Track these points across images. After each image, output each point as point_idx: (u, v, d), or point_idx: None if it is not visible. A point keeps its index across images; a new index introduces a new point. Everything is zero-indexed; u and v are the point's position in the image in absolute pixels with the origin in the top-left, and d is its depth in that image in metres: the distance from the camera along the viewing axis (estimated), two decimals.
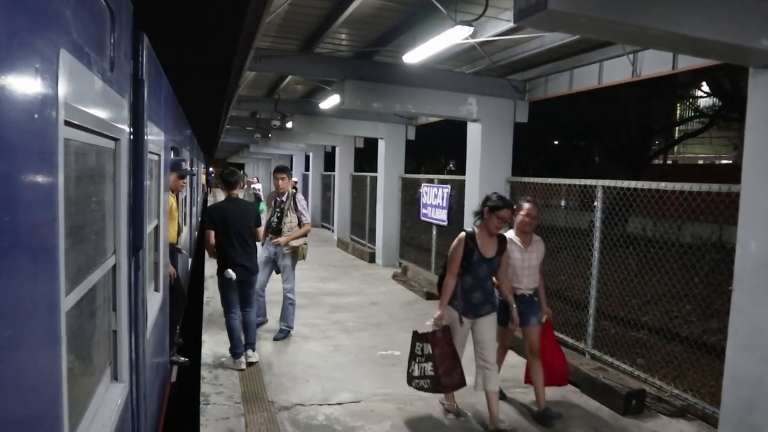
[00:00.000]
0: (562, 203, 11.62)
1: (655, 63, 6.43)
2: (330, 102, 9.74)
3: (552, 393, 5.12)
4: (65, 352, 1.55)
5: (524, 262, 4.77)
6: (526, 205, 4.78)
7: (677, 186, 5.38)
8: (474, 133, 8.35)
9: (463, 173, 8.84)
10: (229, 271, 5.62)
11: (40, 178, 1.36)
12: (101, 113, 2.08)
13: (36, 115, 1.32)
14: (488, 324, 4.57)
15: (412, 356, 4.64)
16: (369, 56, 7.94)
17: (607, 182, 6.17)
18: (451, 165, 34.82)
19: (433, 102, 8.05)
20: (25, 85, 1.25)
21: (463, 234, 4.51)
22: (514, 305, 4.62)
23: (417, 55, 6.31)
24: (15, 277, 1.19)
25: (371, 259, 13.05)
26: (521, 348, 5.65)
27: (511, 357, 5.78)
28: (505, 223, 4.46)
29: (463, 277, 4.45)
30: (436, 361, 4.40)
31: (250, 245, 5.80)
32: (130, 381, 2.81)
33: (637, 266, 7.81)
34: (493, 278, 4.63)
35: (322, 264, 12.19)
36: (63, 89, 1.51)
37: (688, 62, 6.08)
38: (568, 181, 6.93)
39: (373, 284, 10.49)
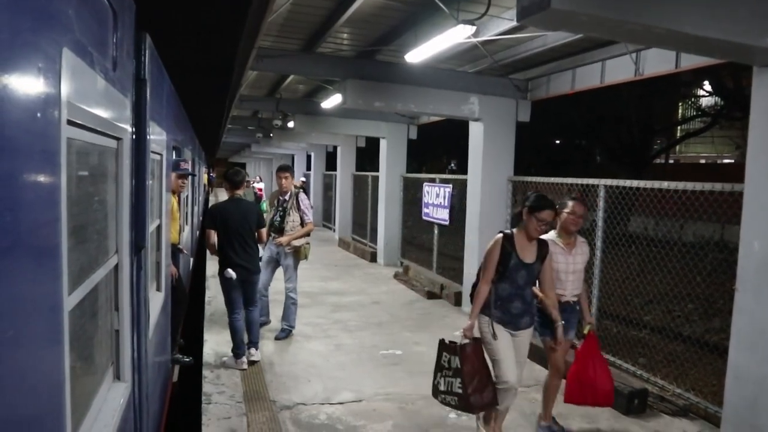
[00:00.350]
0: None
1: (658, 62, 6.42)
2: (332, 101, 9.73)
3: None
4: (68, 352, 1.55)
5: (569, 266, 4.35)
6: (571, 203, 4.36)
7: (680, 185, 5.37)
8: (476, 132, 8.34)
9: (465, 172, 8.83)
10: (229, 270, 5.62)
11: (42, 178, 1.36)
12: (104, 113, 2.08)
13: (39, 114, 1.31)
14: (526, 340, 4.18)
15: (438, 367, 4.19)
16: (371, 55, 7.94)
17: (609, 181, 6.17)
18: (452, 164, 34.78)
19: (435, 101, 8.04)
20: (28, 84, 1.25)
21: (499, 235, 4.08)
22: (561, 322, 4.17)
23: (419, 54, 6.30)
24: (17, 277, 1.19)
25: (373, 258, 13.05)
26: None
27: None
28: (547, 225, 4.02)
29: (498, 284, 4.01)
30: (464, 379, 3.94)
31: (250, 245, 5.79)
32: (133, 380, 2.82)
33: (639, 265, 7.80)
34: (535, 290, 4.21)
35: (324, 263, 12.19)
36: (66, 88, 1.50)
37: (691, 61, 6.06)
38: (570, 180, 6.91)
39: (375, 283, 10.49)
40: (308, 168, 22.61)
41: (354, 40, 7.58)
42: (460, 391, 3.97)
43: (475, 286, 4.20)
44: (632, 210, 6.20)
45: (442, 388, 4.13)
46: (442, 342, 4.21)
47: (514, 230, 4.10)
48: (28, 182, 1.27)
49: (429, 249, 11.61)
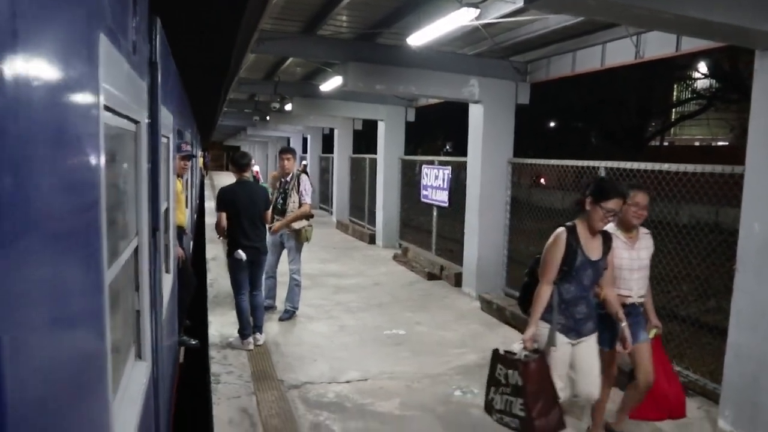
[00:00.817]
0: (542, 181, 11.81)
1: (658, 45, 6.44)
2: (331, 84, 9.70)
3: None
4: (109, 326, 1.60)
5: (633, 263, 3.85)
6: (632, 192, 3.79)
7: (680, 167, 5.43)
8: (476, 114, 8.36)
9: (461, 155, 8.87)
10: (240, 252, 5.66)
11: (87, 162, 1.40)
12: (128, 97, 2.12)
13: (84, 101, 1.35)
14: (592, 347, 3.67)
15: (493, 381, 3.70)
16: (372, 38, 7.92)
17: (610, 163, 6.22)
18: (448, 146, 34.78)
19: (436, 84, 8.05)
20: (75, 70, 1.28)
21: (561, 230, 3.56)
22: (625, 322, 3.66)
23: (422, 37, 6.29)
24: (72, 254, 1.24)
25: (371, 240, 13.11)
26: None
27: None
28: (615, 216, 3.56)
29: (562, 285, 3.54)
30: (528, 400, 3.44)
31: (259, 227, 5.85)
32: (152, 360, 2.87)
33: None
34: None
35: (322, 246, 12.21)
36: (102, 74, 1.54)
37: (691, 44, 6.09)
38: (570, 162, 6.96)
39: (374, 265, 10.57)
40: (304, 150, 22.57)
41: (355, 22, 7.57)
42: (521, 413, 3.48)
43: (526, 287, 3.79)
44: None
45: (498, 406, 3.63)
46: (496, 353, 3.73)
47: (576, 222, 3.60)
48: (78, 167, 1.31)
49: (425, 231, 11.66)
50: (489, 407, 3.72)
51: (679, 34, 5.83)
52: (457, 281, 8.77)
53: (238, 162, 5.91)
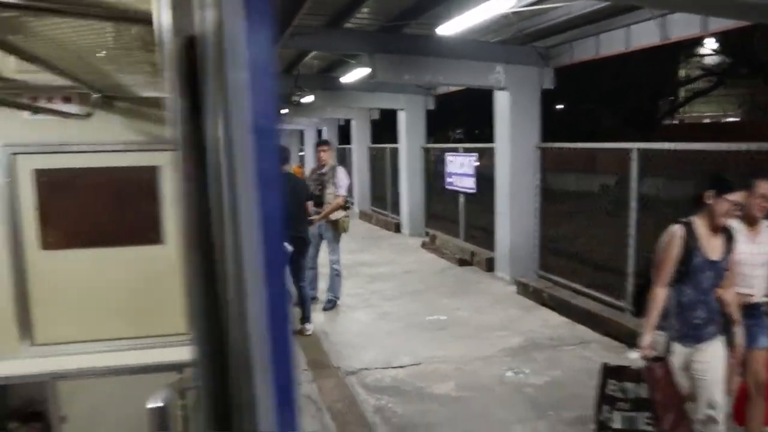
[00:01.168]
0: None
1: (684, 25, 6.48)
2: (355, 75, 9.81)
3: (600, 346, 5.35)
4: None
5: (755, 258, 3.51)
6: (756, 183, 3.46)
7: (711, 146, 5.51)
8: (502, 101, 8.46)
9: (472, 141, 8.97)
10: (286, 244, 5.84)
11: None
12: None
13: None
14: (714, 353, 3.32)
15: (605, 399, 3.35)
16: (398, 29, 8.01)
17: (642, 145, 6.32)
18: (458, 133, 34.67)
19: (463, 72, 8.14)
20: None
21: (677, 227, 3.27)
22: (739, 325, 3.39)
23: (455, 26, 6.38)
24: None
25: (396, 229, 13.24)
26: None
27: None
28: (739, 210, 3.29)
29: (679, 287, 3.27)
30: (658, 411, 3.14)
31: (303, 218, 6.12)
32: None
33: (654, 226, 7.93)
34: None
35: (350, 236, 12.25)
36: None
37: (718, 24, 6.15)
38: (600, 145, 7.08)
39: (403, 253, 10.73)
40: None
41: (379, 14, 7.67)
42: (650, 428, 3.20)
43: (640, 287, 3.58)
44: (646, 172, 6.31)
45: (616, 425, 3.29)
46: (606, 367, 3.44)
47: (694, 218, 3.31)
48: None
49: (445, 218, 11.74)
50: (603, 428, 3.37)
51: (714, 16, 5.85)
52: (489, 266, 8.92)
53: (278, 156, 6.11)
